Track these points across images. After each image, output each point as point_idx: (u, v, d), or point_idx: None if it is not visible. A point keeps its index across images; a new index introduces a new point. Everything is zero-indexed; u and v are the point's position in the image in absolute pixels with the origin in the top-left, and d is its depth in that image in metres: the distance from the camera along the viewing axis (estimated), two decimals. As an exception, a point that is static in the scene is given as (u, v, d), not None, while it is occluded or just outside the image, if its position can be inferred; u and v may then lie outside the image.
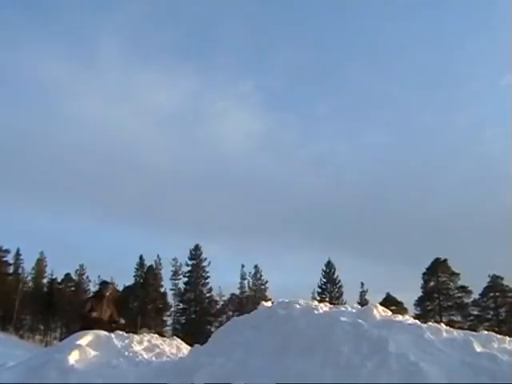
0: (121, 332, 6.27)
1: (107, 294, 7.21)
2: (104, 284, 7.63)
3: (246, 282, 47.30)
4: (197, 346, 5.71)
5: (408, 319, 4.87)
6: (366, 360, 3.85)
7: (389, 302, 36.62)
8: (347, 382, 3.68)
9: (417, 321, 4.85)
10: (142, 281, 47.55)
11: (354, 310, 4.95)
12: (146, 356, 5.74)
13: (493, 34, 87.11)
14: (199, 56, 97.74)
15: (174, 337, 7.12)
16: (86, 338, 5.84)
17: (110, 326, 6.59)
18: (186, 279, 47.54)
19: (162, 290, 48.83)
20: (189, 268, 47.36)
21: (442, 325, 4.61)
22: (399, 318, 4.87)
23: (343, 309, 5.14)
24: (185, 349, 6.44)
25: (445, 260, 41.19)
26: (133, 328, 7.46)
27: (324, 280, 44.53)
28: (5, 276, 48.61)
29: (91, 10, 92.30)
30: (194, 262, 47.23)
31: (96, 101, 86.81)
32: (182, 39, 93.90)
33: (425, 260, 42.62)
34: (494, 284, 40.53)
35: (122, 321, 7.28)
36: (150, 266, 48.40)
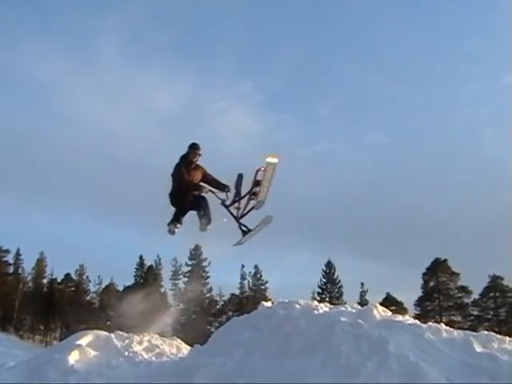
0: (121, 332, 6.28)
1: (194, 159, 7.02)
2: (192, 148, 7.02)
3: (245, 282, 47.24)
4: (197, 346, 5.71)
5: (408, 319, 4.88)
6: (366, 360, 3.85)
7: (389, 302, 36.57)
8: (347, 381, 3.69)
9: (417, 321, 4.86)
10: (142, 281, 47.52)
11: (354, 310, 4.96)
12: (145, 356, 5.75)
13: (493, 33, 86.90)
14: (199, 56, 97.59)
15: (174, 337, 7.12)
16: (86, 338, 5.84)
17: (200, 188, 6.89)
18: (185, 279, 47.56)
19: (162, 290, 48.83)
20: (189, 268, 47.36)
21: (442, 325, 4.62)
22: (399, 318, 4.87)
23: (343, 309, 5.14)
24: (185, 349, 6.45)
25: (445, 260, 41.12)
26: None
27: (324, 280, 44.44)
28: (5, 276, 48.50)
29: (91, 10, 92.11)
30: (193, 261, 47.19)
31: (96, 101, 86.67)
32: (181, 39, 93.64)
33: (425, 260, 42.52)
34: (494, 284, 40.44)
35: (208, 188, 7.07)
36: (150, 266, 48.40)
